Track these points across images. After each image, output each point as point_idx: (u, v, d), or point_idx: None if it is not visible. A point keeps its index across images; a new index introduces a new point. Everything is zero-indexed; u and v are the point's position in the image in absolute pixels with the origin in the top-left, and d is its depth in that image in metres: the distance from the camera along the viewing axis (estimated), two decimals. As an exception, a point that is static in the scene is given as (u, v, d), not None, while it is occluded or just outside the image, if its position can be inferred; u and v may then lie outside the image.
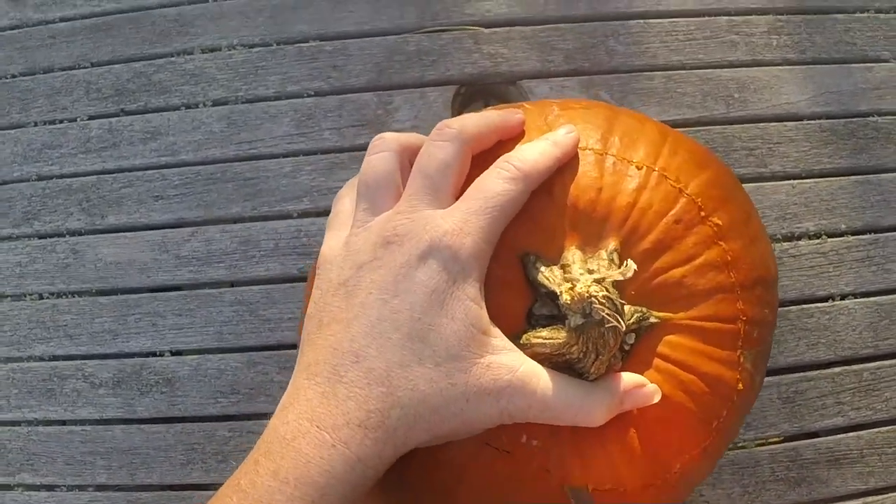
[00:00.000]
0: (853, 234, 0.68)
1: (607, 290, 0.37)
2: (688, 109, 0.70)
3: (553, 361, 0.39)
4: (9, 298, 0.68)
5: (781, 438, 0.64)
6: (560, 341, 0.38)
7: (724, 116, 0.70)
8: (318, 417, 0.37)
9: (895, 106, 0.71)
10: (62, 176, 0.70)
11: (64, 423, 0.65)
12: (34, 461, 0.64)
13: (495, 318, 0.39)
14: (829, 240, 0.68)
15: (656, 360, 0.40)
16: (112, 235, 0.68)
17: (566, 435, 0.40)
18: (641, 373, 0.40)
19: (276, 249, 0.67)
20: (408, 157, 0.43)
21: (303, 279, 0.66)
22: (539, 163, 0.40)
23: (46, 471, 0.64)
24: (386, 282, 0.39)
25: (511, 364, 0.38)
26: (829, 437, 0.64)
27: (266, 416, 0.64)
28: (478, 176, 0.41)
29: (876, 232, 0.68)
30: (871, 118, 0.71)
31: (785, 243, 0.67)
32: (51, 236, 0.69)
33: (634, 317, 0.40)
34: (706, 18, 0.73)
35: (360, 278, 0.39)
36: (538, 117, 0.44)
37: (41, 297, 0.68)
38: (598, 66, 0.71)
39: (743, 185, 0.47)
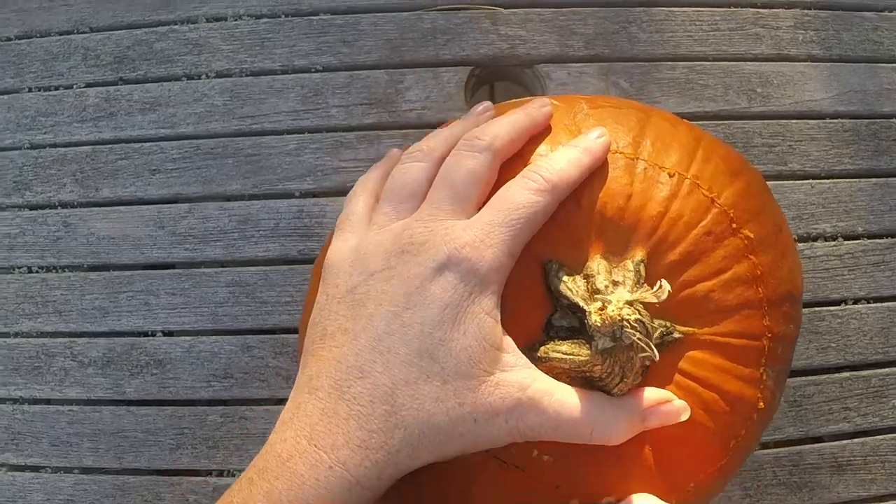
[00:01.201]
0: (869, 237, 0.71)
1: (639, 314, 0.38)
2: (709, 102, 0.72)
3: (571, 375, 0.40)
4: (-3, 270, 0.70)
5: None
6: (582, 359, 0.39)
7: (746, 111, 0.72)
8: (316, 436, 0.38)
9: (919, 109, 0.74)
10: (56, 145, 0.72)
11: (50, 402, 0.67)
12: (19, 441, 0.66)
13: (511, 326, 0.40)
14: (846, 242, 0.70)
15: (677, 376, 0.41)
16: (106, 209, 0.70)
17: (579, 450, 0.40)
18: (661, 388, 0.41)
19: (276, 230, 0.69)
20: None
21: (303, 261, 0.68)
22: (568, 172, 0.41)
23: (31, 451, 0.66)
24: (397, 293, 0.39)
25: (522, 381, 0.38)
26: (834, 443, 0.67)
27: (259, 402, 0.66)
28: (502, 179, 0.41)
29: (893, 236, 0.71)
30: (894, 120, 0.74)
31: (801, 244, 0.70)
32: (42, 208, 0.71)
33: (658, 331, 0.40)
34: (732, 9, 0.75)
35: (370, 287, 0.40)
36: (566, 114, 0.45)
37: (30, 271, 0.69)
38: (619, 54, 0.73)
39: (761, 182, 0.49)
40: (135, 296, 0.68)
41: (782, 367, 0.45)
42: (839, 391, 0.68)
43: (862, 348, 0.69)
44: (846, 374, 0.68)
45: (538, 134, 0.44)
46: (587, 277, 0.40)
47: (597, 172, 0.42)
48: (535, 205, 0.40)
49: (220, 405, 0.66)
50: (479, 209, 0.41)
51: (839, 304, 0.70)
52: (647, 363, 0.41)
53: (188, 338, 0.68)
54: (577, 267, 0.41)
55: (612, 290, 0.39)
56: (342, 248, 0.43)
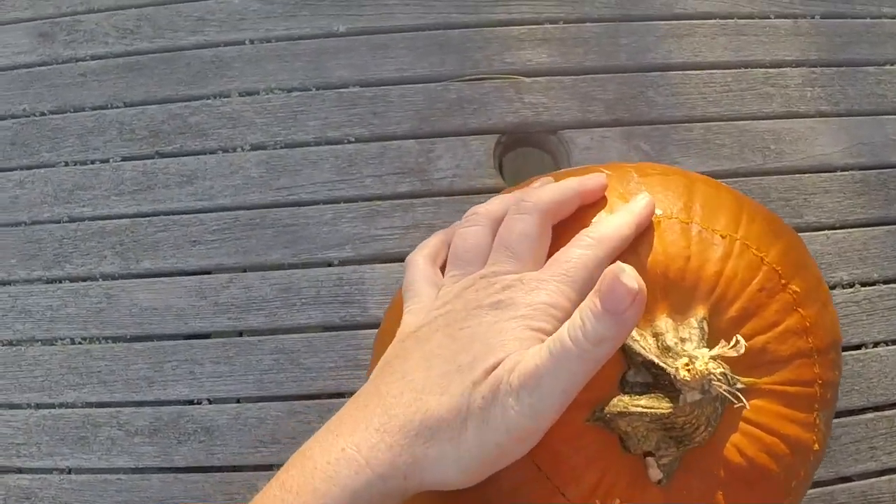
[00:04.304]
0: (885, 282, 0.77)
1: (723, 367, 0.42)
2: (725, 161, 0.79)
3: (650, 427, 0.44)
4: (39, 343, 0.74)
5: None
6: (664, 411, 0.43)
7: (761, 167, 0.79)
8: (341, 427, 0.40)
9: (925, 158, 0.81)
10: (94, 218, 0.76)
11: (98, 471, 0.70)
12: (67, 511, 0.69)
13: (589, 383, 0.42)
14: (863, 289, 0.76)
15: (742, 424, 0.46)
16: (147, 280, 0.74)
17: (656, 494, 0.45)
18: (728, 436, 0.45)
19: (317, 297, 0.74)
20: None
21: (344, 328, 0.73)
22: (611, 230, 0.45)
23: (80, 521, 0.69)
24: (455, 319, 0.43)
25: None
26: (863, 482, 0.72)
27: (308, 465, 0.71)
28: (562, 244, 0.46)
29: (907, 281, 0.77)
30: (902, 169, 0.80)
31: (822, 294, 0.77)
32: (83, 280, 0.75)
33: None
34: (742, 70, 0.82)
35: (433, 322, 0.44)
36: (619, 183, 0.50)
37: (73, 342, 0.73)
38: (638, 117, 0.80)
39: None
40: (179, 365, 0.73)
41: (830, 411, 0.50)
42: (865, 432, 0.73)
43: (884, 389, 0.74)
44: (870, 415, 0.73)
45: (595, 203, 0.49)
46: (656, 336, 0.45)
47: (658, 238, 0.47)
48: (583, 256, 0.44)
49: (268, 470, 0.70)
50: (539, 267, 0.45)
51: (860, 349, 0.75)
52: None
53: (234, 405, 0.72)
54: (645, 326, 0.46)
55: (681, 347, 0.44)
56: (415, 310, 0.47)
